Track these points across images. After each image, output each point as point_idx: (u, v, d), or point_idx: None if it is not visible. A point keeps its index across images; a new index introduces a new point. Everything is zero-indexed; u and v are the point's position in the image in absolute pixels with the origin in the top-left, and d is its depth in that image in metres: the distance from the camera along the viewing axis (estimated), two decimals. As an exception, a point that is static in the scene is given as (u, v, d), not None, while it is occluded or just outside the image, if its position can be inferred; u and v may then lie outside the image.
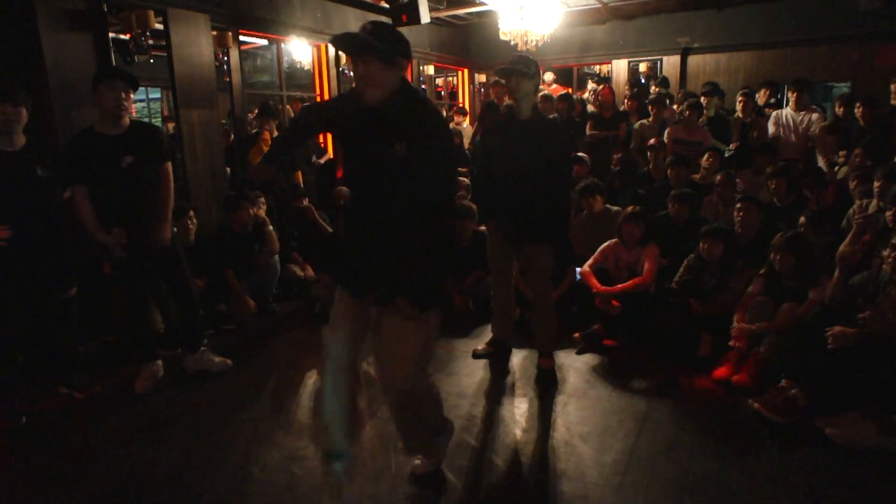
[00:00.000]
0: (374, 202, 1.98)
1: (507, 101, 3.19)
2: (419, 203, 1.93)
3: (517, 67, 3.01)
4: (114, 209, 3.07)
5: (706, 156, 5.01)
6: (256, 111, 6.11)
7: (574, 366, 3.55)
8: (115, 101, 2.99)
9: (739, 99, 5.74)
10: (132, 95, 3.08)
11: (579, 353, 3.72)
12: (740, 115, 5.73)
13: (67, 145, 3.08)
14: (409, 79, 2.57)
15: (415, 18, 6.18)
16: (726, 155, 5.43)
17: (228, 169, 5.56)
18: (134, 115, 3.00)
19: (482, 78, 9.84)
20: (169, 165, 3.24)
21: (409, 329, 2.02)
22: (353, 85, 1.98)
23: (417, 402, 2.19)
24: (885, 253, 2.84)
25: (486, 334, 3.80)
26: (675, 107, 6.45)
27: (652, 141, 5.48)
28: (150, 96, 10.00)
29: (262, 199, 4.93)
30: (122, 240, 3.07)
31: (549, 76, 9.32)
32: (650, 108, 6.02)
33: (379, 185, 1.95)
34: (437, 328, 2.14)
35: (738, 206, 3.90)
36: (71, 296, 3.25)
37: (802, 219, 3.67)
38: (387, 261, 1.98)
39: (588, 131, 6.26)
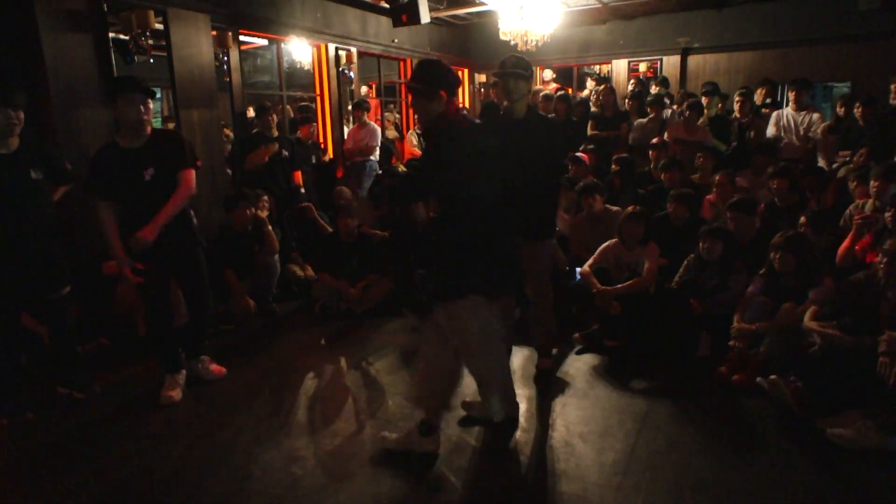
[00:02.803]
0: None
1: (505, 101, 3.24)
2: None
3: (515, 70, 3.05)
4: (139, 220, 3.02)
5: (697, 155, 5.01)
6: (254, 113, 6.09)
7: (574, 366, 3.55)
8: (135, 115, 2.98)
9: (737, 99, 5.75)
10: (151, 106, 3.07)
11: (579, 353, 3.72)
12: (737, 115, 5.73)
13: (92, 160, 3.06)
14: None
15: (415, 18, 6.18)
16: (724, 154, 5.43)
17: (229, 169, 5.55)
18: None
19: (482, 78, 9.84)
20: (189, 172, 3.12)
21: None
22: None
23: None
24: (877, 259, 2.83)
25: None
26: (674, 107, 6.46)
27: (655, 140, 5.48)
28: (150, 96, 9.98)
29: (266, 198, 4.91)
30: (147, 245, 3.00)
31: (548, 74, 9.32)
32: (649, 108, 6.03)
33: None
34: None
35: (729, 215, 3.81)
36: (64, 295, 3.23)
37: (802, 219, 3.66)
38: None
39: (589, 131, 6.26)
